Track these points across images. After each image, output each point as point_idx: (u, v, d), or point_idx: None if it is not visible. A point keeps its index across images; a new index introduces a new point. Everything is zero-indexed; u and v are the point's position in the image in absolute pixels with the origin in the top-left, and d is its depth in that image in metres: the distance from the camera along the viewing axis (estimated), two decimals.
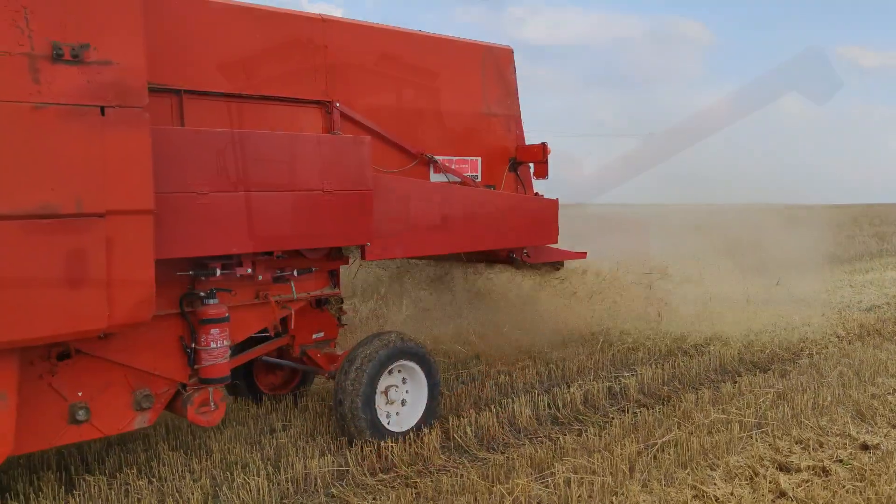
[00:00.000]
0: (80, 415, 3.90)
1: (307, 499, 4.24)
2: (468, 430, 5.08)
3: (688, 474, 4.24)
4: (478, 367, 6.80)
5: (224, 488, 4.27)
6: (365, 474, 4.45)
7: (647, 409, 5.55)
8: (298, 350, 5.35)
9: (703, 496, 4.00)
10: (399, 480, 4.38)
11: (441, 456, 4.71)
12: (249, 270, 4.45)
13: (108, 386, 4.03)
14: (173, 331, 4.25)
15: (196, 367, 4.28)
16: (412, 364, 5.12)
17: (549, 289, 7.43)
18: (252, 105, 4.65)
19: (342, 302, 5.62)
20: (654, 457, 4.51)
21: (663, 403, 5.70)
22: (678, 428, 5.00)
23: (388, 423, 4.99)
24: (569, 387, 6.04)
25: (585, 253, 6.70)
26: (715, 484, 4.11)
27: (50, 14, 3.28)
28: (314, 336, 5.41)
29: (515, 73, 6.28)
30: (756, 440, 4.83)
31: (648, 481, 4.13)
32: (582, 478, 4.21)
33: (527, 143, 6.36)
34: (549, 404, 5.64)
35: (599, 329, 7.68)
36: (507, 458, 4.63)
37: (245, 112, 4.61)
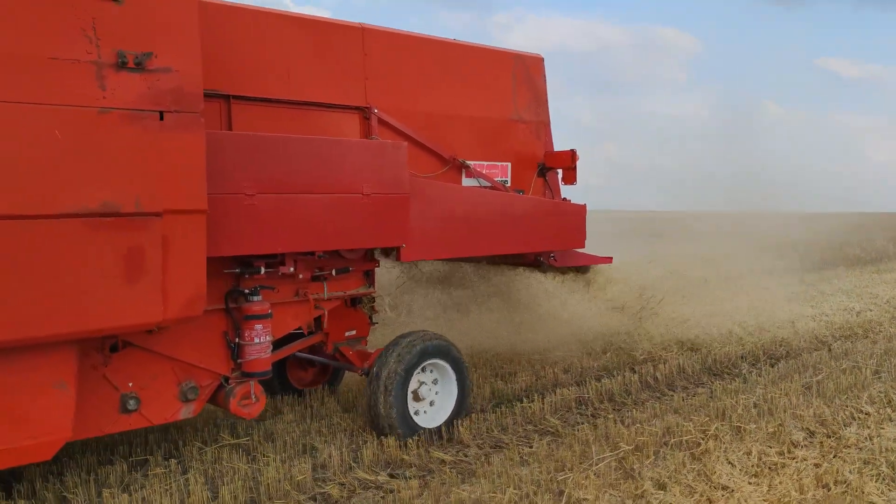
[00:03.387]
0: (131, 404, 4.09)
1: (566, 415, 5.62)
2: (657, 374, 6.58)
3: (844, 400, 5.69)
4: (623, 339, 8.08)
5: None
6: (602, 402, 5.88)
7: (778, 364, 6.97)
8: (332, 347, 5.52)
9: (860, 412, 5.45)
10: (625, 407, 5.78)
11: (642, 392, 6.20)
12: (291, 269, 4.62)
13: (157, 377, 4.21)
14: (218, 326, 4.43)
15: (239, 360, 4.45)
16: (443, 363, 5.26)
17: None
18: (295, 110, 4.84)
19: (374, 301, 5.79)
20: (815, 388, 5.98)
21: (787, 360, 7.18)
22: (821, 372, 6.46)
23: (419, 419, 5.15)
24: (709, 351, 7.43)
25: (611, 258, 6.83)
26: (864, 405, 5.57)
27: (116, 24, 3.46)
28: (347, 334, 5.57)
29: (545, 80, 6.42)
30: (881, 380, 6.30)
31: (819, 403, 5.58)
32: (777, 396, 5.70)
33: (555, 149, 6.50)
34: (700, 361, 7.09)
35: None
36: (708, 389, 6.17)
37: (288, 117, 4.79)
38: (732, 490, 4.09)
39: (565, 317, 7.52)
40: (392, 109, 5.29)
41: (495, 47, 6.11)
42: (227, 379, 4.50)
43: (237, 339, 4.44)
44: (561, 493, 4.08)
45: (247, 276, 4.46)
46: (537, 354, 7.27)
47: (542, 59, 6.41)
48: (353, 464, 4.62)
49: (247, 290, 4.44)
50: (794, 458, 4.54)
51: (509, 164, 6.16)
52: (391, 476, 4.48)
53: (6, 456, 3.49)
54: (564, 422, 5.45)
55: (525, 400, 5.83)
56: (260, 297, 4.46)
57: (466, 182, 5.82)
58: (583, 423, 5.35)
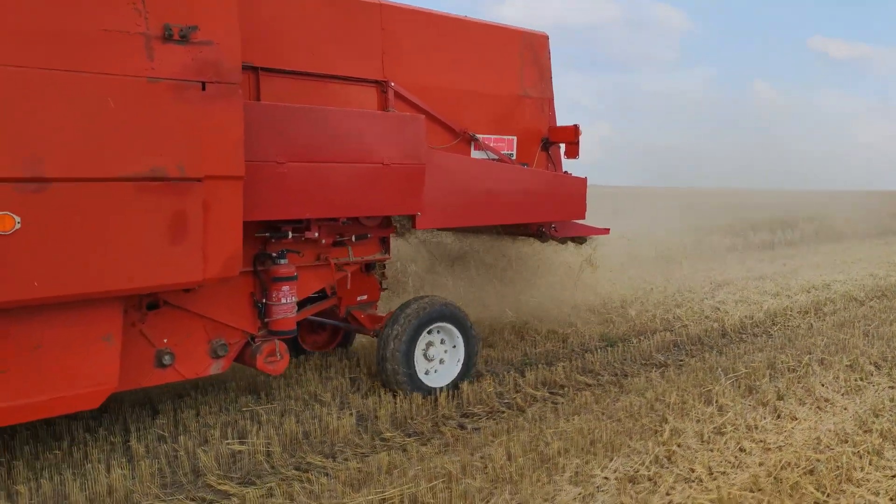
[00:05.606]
0: (166, 359, 4.33)
1: (667, 353, 6.69)
2: (732, 322, 7.85)
3: None
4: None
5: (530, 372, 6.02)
6: (693, 344, 7.03)
7: (831, 317, 8.16)
8: (344, 311, 5.78)
9: None
10: (714, 348, 6.82)
11: (721, 338, 7.29)
12: (316, 234, 4.86)
13: (190, 335, 4.45)
14: (246, 287, 4.67)
15: (266, 320, 4.71)
16: (450, 326, 5.54)
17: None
18: (317, 82, 5.03)
19: (384, 267, 6.05)
20: (873, 333, 7.16)
21: (835, 314, 8.32)
22: (872, 322, 7.73)
23: (426, 378, 5.41)
24: (761, 306, 8.70)
25: (608, 229, 7.11)
26: None
27: None
28: (359, 298, 5.84)
29: (550, 58, 6.65)
30: None
31: (880, 344, 6.76)
32: (846, 338, 6.90)
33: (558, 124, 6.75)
34: (762, 313, 8.33)
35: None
36: (782, 334, 7.38)
37: (311, 89, 4.99)
38: (833, 402, 5.16)
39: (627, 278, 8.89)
40: (407, 83, 5.50)
41: (504, 25, 6.32)
42: (253, 337, 4.76)
43: (264, 300, 4.69)
44: (708, 399, 5.15)
45: (274, 240, 4.70)
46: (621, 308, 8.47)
47: (547, 37, 6.63)
48: (520, 383, 5.68)
49: (274, 254, 4.69)
50: (871, 383, 5.66)
51: (515, 138, 6.40)
52: (551, 393, 5.52)
53: (59, 403, 3.73)
54: (669, 358, 6.56)
55: (634, 340, 7.05)
56: (286, 261, 4.71)
57: (475, 155, 6.06)
58: (685, 359, 6.48)
